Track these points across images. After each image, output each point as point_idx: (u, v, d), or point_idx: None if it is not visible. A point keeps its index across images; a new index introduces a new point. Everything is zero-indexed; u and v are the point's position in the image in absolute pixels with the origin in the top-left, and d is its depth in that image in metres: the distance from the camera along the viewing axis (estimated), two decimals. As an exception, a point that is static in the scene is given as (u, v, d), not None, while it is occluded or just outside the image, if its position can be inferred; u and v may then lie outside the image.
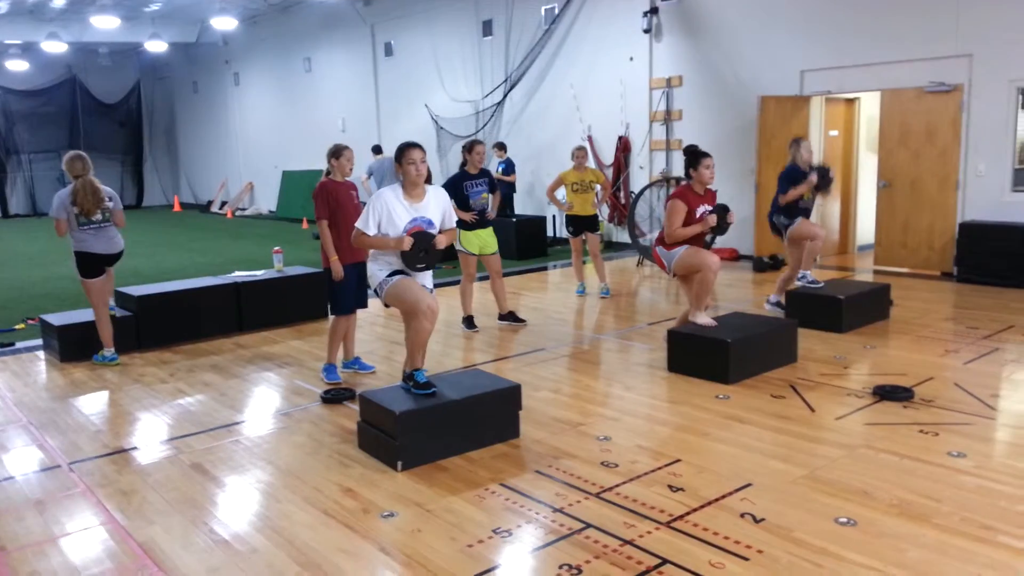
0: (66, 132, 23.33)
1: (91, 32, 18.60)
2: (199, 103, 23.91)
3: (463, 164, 7.17)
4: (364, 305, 6.02)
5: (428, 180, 4.71)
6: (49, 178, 22.91)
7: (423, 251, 4.46)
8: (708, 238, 5.72)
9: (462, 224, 7.06)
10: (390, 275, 4.53)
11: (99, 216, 6.30)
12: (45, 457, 4.60)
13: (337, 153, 5.76)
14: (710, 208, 5.78)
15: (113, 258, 6.47)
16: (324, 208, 5.64)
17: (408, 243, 4.40)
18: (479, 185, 7.09)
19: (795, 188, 6.96)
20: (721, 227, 5.77)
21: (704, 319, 5.81)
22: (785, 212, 7.14)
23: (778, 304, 7.29)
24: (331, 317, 5.93)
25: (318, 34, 18.13)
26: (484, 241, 7.18)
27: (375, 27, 16.51)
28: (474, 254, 7.18)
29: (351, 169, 5.82)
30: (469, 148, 7.12)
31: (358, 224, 4.49)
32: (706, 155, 5.79)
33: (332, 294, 5.82)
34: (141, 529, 3.63)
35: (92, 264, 6.35)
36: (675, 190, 5.87)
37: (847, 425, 4.61)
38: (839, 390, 5.22)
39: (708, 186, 5.82)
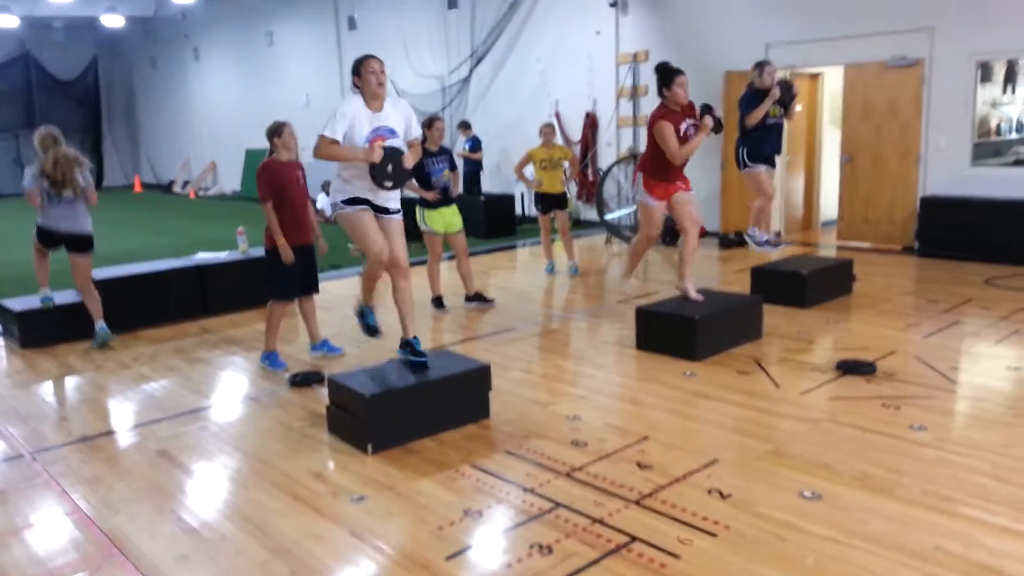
0: (21, 111, 22.68)
1: (43, 6, 18.06)
2: (158, 79, 23.38)
3: (423, 141, 7.07)
4: (315, 290, 5.88)
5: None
6: (5, 159, 22.31)
7: (391, 165, 4.39)
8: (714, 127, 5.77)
9: (425, 203, 7.00)
10: (346, 201, 4.51)
11: (70, 193, 6.15)
12: (7, 446, 4.52)
13: (278, 131, 5.54)
14: (692, 122, 5.73)
15: (75, 241, 6.28)
16: (267, 189, 5.47)
17: (378, 155, 4.32)
18: (440, 162, 7.01)
19: (759, 107, 6.82)
20: (718, 126, 5.74)
21: (686, 286, 5.90)
22: (749, 150, 6.99)
23: (767, 242, 7.30)
24: (269, 303, 5.72)
25: (280, 7, 17.79)
26: (448, 220, 7.12)
27: (338, 0, 16.23)
28: (439, 233, 7.11)
29: (296, 144, 5.64)
30: (428, 124, 7.01)
31: (325, 132, 4.34)
32: (679, 72, 5.68)
33: (272, 277, 5.63)
34: (107, 518, 3.59)
35: (49, 239, 6.27)
36: (654, 112, 5.76)
37: (811, 400, 4.68)
38: (803, 365, 5.30)
39: (684, 103, 5.74)
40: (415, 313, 4.69)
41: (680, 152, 5.67)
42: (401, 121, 4.57)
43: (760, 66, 6.99)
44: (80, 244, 6.31)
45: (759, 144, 6.99)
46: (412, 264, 4.76)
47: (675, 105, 5.72)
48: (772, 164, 7.16)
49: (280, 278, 5.60)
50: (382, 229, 4.61)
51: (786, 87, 6.99)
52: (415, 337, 4.58)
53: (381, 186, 4.44)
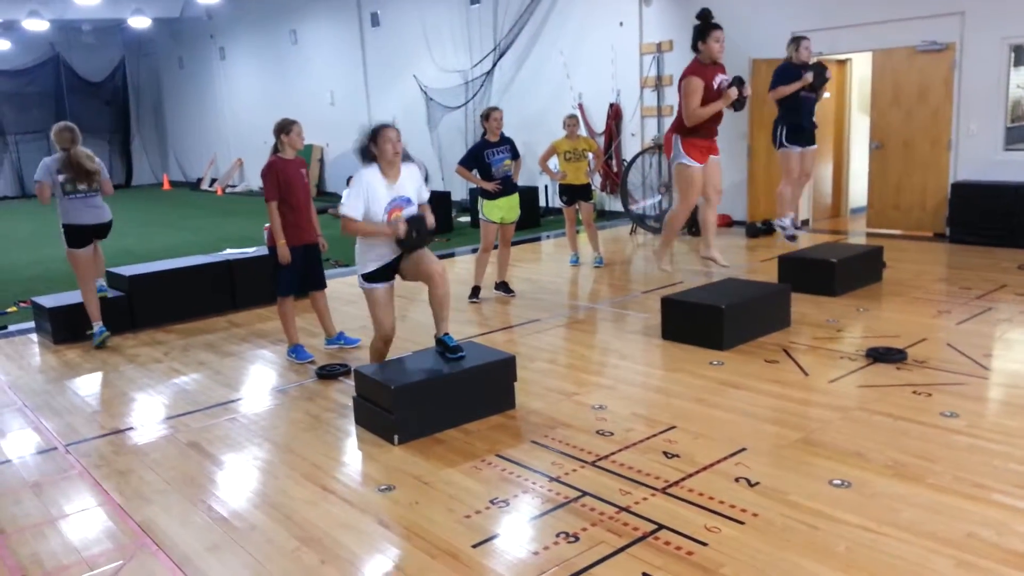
0: (52, 112, 22.99)
1: (73, 9, 18.30)
2: (185, 79, 23.63)
3: (484, 133, 7.11)
4: (322, 286, 5.92)
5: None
6: (36, 160, 22.38)
7: (416, 232, 4.48)
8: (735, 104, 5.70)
9: (485, 194, 7.01)
10: (368, 278, 4.61)
11: (85, 186, 6.23)
12: (41, 440, 4.60)
13: (286, 128, 5.56)
14: (726, 78, 5.64)
15: (101, 229, 6.40)
16: (274, 189, 5.49)
17: (403, 230, 4.42)
18: (501, 152, 7.01)
19: (787, 85, 6.84)
20: (740, 101, 5.65)
21: (713, 253, 5.79)
22: (788, 130, 6.94)
23: (788, 226, 7.21)
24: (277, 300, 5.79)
25: (303, 5, 17.87)
26: (506, 211, 7.13)
27: (361, -3, 16.29)
28: (495, 223, 7.12)
29: (302, 143, 5.66)
30: (486, 116, 7.04)
31: (344, 211, 4.44)
32: (717, 27, 5.59)
33: (276, 274, 5.68)
34: (139, 509, 3.64)
35: (79, 235, 6.31)
36: (687, 67, 5.67)
37: (841, 388, 4.63)
38: (832, 353, 5.23)
39: (719, 58, 5.64)
40: (449, 312, 4.72)
41: (697, 112, 5.52)
42: (413, 188, 4.65)
43: (797, 41, 7.04)
44: (104, 231, 6.48)
45: (798, 116, 6.92)
46: (445, 256, 4.77)
47: (708, 60, 5.59)
48: (812, 141, 7.02)
49: (284, 275, 5.64)
50: (414, 260, 4.61)
51: (820, 71, 6.97)
52: (447, 334, 4.60)
53: (408, 251, 4.53)
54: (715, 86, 5.55)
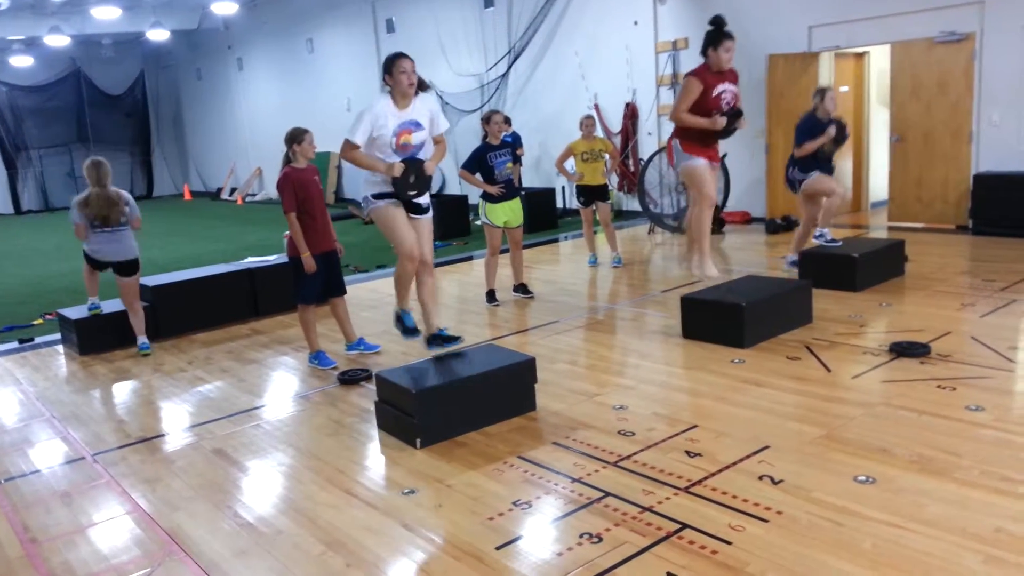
0: (74, 126, 23.37)
1: (93, 24, 18.57)
2: (204, 90, 23.88)
3: (485, 136, 7.13)
4: (342, 292, 5.95)
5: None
6: (59, 173, 23.01)
7: (414, 176, 4.43)
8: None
9: (488, 197, 7.03)
10: (377, 196, 4.58)
11: (112, 221, 6.34)
12: (69, 450, 4.67)
13: (298, 138, 5.56)
14: (732, 89, 5.54)
15: (123, 266, 6.46)
16: (292, 200, 5.49)
17: (399, 169, 4.40)
18: (503, 155, 7.02)
19: (812, 141, 6.85)
20: (727, 131, 5.50)
21: (710, 269, 5.76)
22: (800, 165, 7.02)
23: (795, 263, 7.21)
24: (298, 307, 5.83)
25: (319, 14, 18.01)
26: (510, 215, 7.14)
27: (375, 4, 16.37)
28: (499, 227, 7.14)
29: (314, 151, 5.66)
30: (487, 119, 7.06)
31: (348, 136, 4.43)
32: (730, 37, 5.48)
33: (297, 282, 5.69)
34: (167, 516, 3.69)
35: (97, 265, 6.48)
36: (693, 69, 5.62)
37: (864, 384, 4.59)
38: (855, 349, 5.19)
39: (726, 68, 5.55)
40: (439, 305, 4.73)
41: (684, 117, 5.44)
42: (426, 113, 4.62)
43: (822, 92, 6.99)
44: (126, 268, 6.50)
45: (807, 170, 7.01)
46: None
47: (715, 68, 5.54)
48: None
49: (304, 284, 5.67)
50: (412, 228, 4.68)
51: (841, 127, 7.00)
52: (442, 328, 4.62)
53: (405, 197, 4.50)
54: (715, 94, 5.46)
